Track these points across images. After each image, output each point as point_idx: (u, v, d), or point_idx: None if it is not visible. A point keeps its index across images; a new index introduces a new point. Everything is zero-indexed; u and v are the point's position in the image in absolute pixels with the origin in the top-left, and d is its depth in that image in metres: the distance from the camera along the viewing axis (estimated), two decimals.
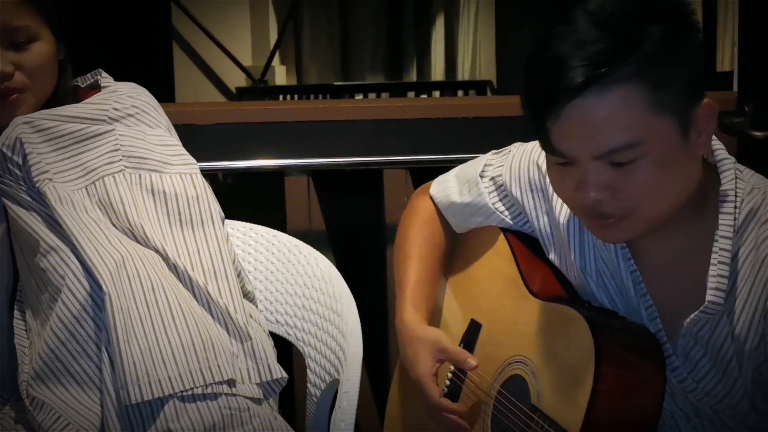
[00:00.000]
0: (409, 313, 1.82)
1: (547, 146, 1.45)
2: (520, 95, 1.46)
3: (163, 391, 1.61)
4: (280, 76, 12.12)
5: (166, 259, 1.71)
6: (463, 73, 12.50)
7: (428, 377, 1.76)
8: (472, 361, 1.72)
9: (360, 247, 3.09)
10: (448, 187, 1.88)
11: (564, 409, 1.51)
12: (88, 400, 1.66)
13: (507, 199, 1.78)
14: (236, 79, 10.79)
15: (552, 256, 1.72)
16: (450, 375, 1.83)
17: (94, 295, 1.66)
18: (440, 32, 13.09)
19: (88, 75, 1.91)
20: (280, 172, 2.97)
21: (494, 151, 1.84)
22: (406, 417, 1.96)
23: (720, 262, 1.46)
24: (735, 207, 1.47)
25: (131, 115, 1.82)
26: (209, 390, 1.64)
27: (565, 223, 1.66)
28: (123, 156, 1.77)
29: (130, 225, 1.72)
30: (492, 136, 2.83)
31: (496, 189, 1.79)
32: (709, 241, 1.47)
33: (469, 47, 12.41)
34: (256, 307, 1.91)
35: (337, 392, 1.84)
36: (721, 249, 1.46)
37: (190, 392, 1.63)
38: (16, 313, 1.77)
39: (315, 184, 2.99)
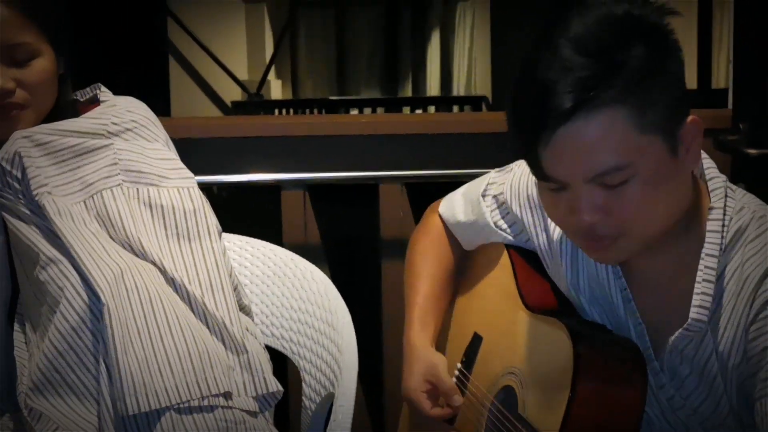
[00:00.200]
0: (416, 333, 1.85)
1: (538, 173, 1.46)
2: (508, 124, 1.47)
3: (160, 402, 1.61)
4: (276, 90, 12.14)
5: (163, 272, 1.72)
6: (459, 89, 12.54)
7: (416, 392, 1.80)
8: (458, 398, 1.77)
9: (356, 260, 3.09)
10: (454, 206, 1.90)
11: (545, 419, 1.53)
12: (85, 411, 1.66)
13: (509, 217, 1.79)
14: (232, 93, 10.81)
15: (550, 272, 1.73)
16: None
17: (92, 307, 1.66)
18: (436, 48, 13.12)
19: (87, 89, 1.92)
20: (276, 186, 2.98)
21: (498, 168, 1.86)
22: None
23: (705, 280, 1.47)
24: (723, 225, 1.48)
25: (130, 130, 1.82)
26: (205, 402, 1.64)
27: (558, 241, 1.68)
28: (121, 170, 1.78)
29: (128, 238, 1.73)
30: (487, 151, 2.85)
31: (498, 207, 1.81)
32: (698, 259, 1.48)
33: (464, 63, 12.45)
34: (252, 320, 1.92)
35: (332, 406, 1.85)
36: (706, 267, 1.47)
37: (186, 404, 1.63)
38: (16, 326, 1.78)
39: (311, 198, 3.00)
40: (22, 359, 1.74)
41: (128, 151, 1.80)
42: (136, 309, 1.65)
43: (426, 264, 1.92)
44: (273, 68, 11.33)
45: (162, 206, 1.77)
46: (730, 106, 2.88)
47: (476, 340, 1.83)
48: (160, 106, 1.97)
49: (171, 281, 1.72)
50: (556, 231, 1.68)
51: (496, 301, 1.81)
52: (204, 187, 1.87)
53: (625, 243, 1.47)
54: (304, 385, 2.00)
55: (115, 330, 1.63)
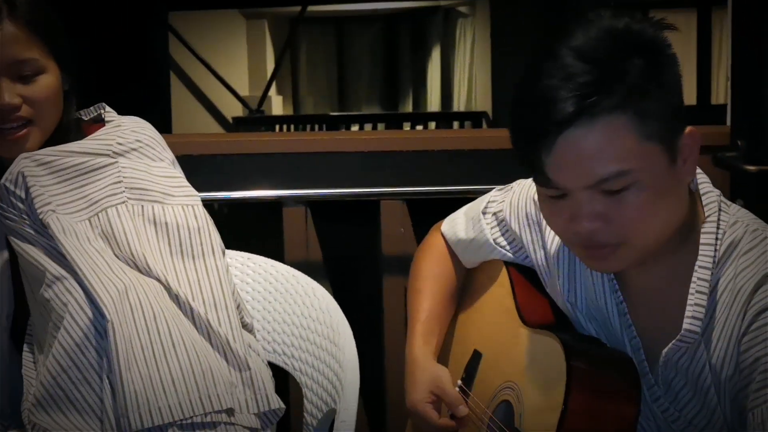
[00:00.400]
0: (419, 347, 1.87)
1: (541, 179, 1.48)
2: (510, 132, 1.50)
3: (163, 419, 1.62)
4: (277, 106, 12.18)
5: (167, 288, 1.73)
6: (459, 105, 12.56)
7: (422, 404, 1.81)
8: (463, 409, 1.77)
9: (357, 277, 3.10)
10: (456, 225, 1.92)
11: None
12: (88, 427, 1.67)
13: (508, 234, 1.81)
14: (233, 109, 10.84)
15: (548, 289, 1.75)
16: None
17: (96, 323, 1.67)
18: (436, 64, 13.16)
19: (91, 108, 1.94)
20: (277, 203, 2.99)
21: (499, 187, 1.88)
22: None
23: (698, 292, 1.49)
24: (716, 238, 1.50)
25: (135, 149, 1.84)
26: (208, 419, 1.65)
27: (555, 255, 1.69)
28: (126, 187, 1.79)
29: (133, 255, 1.74)
30: (488, 168, 2.86)
31: (498, 224, 1.83)
32: (692, 271, 1.50)
33: (464, 79, 12.48)
34: (255, 337, 1.93)
35: (333, 422, 1.86)
36: (699, 279, 1.49)
37: (189, 420, 1.64)
38: (26, 346, 1.79)
39: (312, 215, 3.00)
40: (29, 378, 1.75)
41: (133, 169, 1.81)
42: (140, 326, 1.66)
43: (428, 281, 1.94)
44: (274, 84, 11.36)
45: (166, 224, 1.79)
46: (728, 122, 2.89)
47: (476, 356, 1.84)
48: (162, 123, 1.98)
49: (175, 298, 1.73)
50: (553, 247, 1.70)
51: (496, 318, 1.82)
52: (205, 204, 1.88)
53: (625, 251, 1.49)
54: (305, 401, 2.01)
55: (119, 346, 1.64)
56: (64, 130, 1.84)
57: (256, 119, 10.52)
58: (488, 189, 1.90)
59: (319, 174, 2.99)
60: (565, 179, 1.44)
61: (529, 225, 1.75)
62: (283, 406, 1.77)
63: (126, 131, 1.86)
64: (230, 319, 1.76)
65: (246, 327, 1.88)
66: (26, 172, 1.74)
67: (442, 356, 1.91)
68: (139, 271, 1.73)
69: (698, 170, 1.56)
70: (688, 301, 1.49)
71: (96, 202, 1.77)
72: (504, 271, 1.82)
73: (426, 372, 1.83)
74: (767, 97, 2.69)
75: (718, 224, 1.51)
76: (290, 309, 2.09)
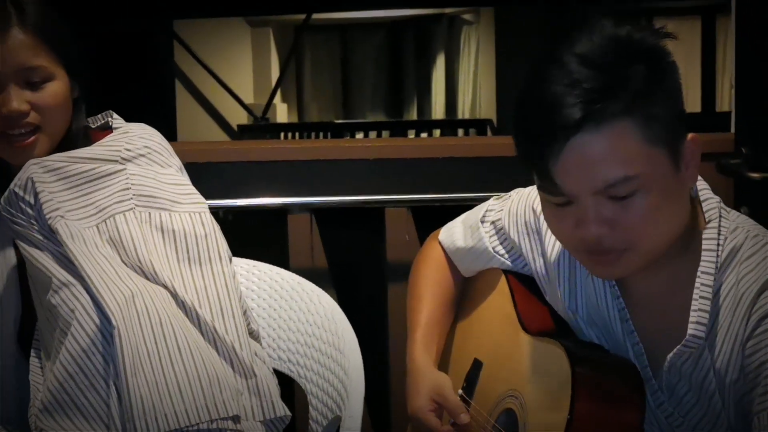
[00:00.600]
0: (420, 354, 1.86)
1: (547, 186, 1.48)
2: (515, 138, 1.50)
3: (170, 425, 1.62)
4: (282, 113, 12.18)
5: (174, 295, 1.74)
6: (464, 112, 12.56)
7: (424, 412, 1.80)
8: (465, 416, 1.76)
9: (362, 284, 3.11)
10: (454, 233, 1.92)
11: None
12: None
13: (506, 243, 1.82)
14: (238, 117, 10.84)
15: (548, 297, 1.75)
16: None
17: (103, 330, 1.68)
18: (441, 71, 13.16)
19: (99, 116, 1.95)
20: (282, 210, 3.00)
21: (496, 196, 1.88)
22: None
23: (701, 297, 1.50)
24: (718, 244, 1.51)
25: (143, 155, 1.85)
26: (214, 425, 1.66)
27: (555, 263, 1.70)
28: (134, 194, 1.80)
29: (140, 262, 1.75)
30: (492, 175, 2.87)
31: (497, 233, 1.83)
32: (694, 277, 1.51)
33: (469, 86, 12.48)
34: (261, 345, 1.93)
35: (338, 429, 1.86)
36: (702, 285, 1.50)
37: (195, 427, 1.64)
38: (33, 352, 1.79)
39: (317, 222, 3.01)
40: (36, 383, 1.76)
41: (141, 176, 1.82)
42: (146, 332, 1.66)
43: (428, 288, 1.94)
44: (279, 92, 11.36)
45: (174, 231, 1.79)
46: (732, 130, 2.89)
47: (476, 365, 1.84)
48: (167, 130, 1.99)
49: (182, 305, 1.74)
50: (553, 255, 1.70)
51: (496, 326, 1.82)
52: (210, 212, 1.89)
53: (630, 257, 1.49)
54: (310, 408, 2.01)
55: (126, 353, 1.64)
56: (72, 137, 1.86)
57: (261, 127, 10.52)
58: (493, 196, 1.90)
59: (324, 181, 3.00)
60: (572, 185, 1.45)
61: (528, 233, 1.76)
62: (289, 413, 1.77)
63: (134, 138, 1.87)
64: (237, 326, 1.77)
65: (252, 334, 1.89)
66: (35, 177, 1.75)
67: (441, 366, 1.90)
68: (146, 277, 1.74)
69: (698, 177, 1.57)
70: (692, 307, 1.50)
71: (104, 208, 1.78)
72: (503, 279, 1.82)
73: (427, 379, 1.83)
74: None
75: (719, 230, 1.52)
76: (295, 316, 2.09)
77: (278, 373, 1.96)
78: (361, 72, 13.74)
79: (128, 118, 1.96)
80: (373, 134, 10.43)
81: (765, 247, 1.50)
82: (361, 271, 3.10)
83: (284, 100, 12.58)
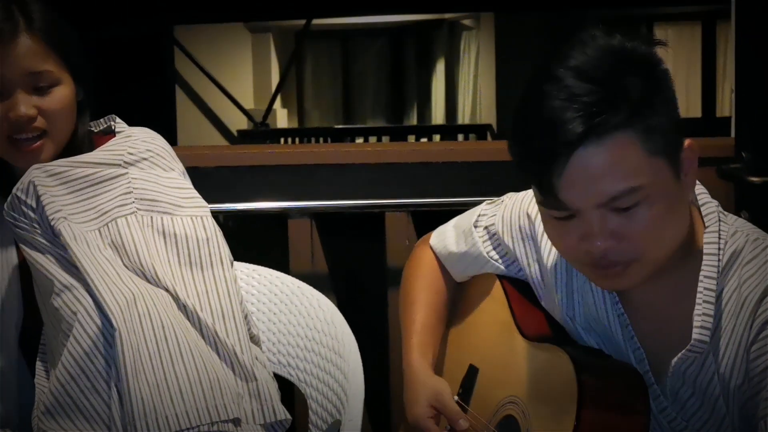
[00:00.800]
0: (416, 360, 1.86)
1: (551, 202, 1.48)
2: (515, 156, 1.50)
3: (170, 427, 1.62)
4: (282, 119, 12.20)
5: (176, 298, 1.74)
6: (464, 117, 12.57)
7: (424, 419, 1.79)
8: (463, 422, 1.76)
9: (362, 288, 3.11)
10: (446, 238, 1.91)
11: None
12: None
13: (500, 248, 1.81)
14: (238, 122, 10.85)
15: (544, 302, 1.74)
16: None
17: (105, 332, 1.68)
18: (441, 76, 13.18)
19: (102, 120, 1.96)
20: (283, 215, 3.00)
21: (488, 200, 1.88)
22: None
23: (705, 302, 1.50)
24: (719, 249, 1.51)
25: (146, 159, 1.85)
26: (215, 428, 1.66)
27: (552, 269, 1.69)
28: (135, 198, 1.80)
29: (142, 265, 1.75)
30: (492, 180, 2.86)
31: (490, 238, 1.82)
32: (695, 282, 1.51)
33: (469, 91, 12.49)
34: (261, 349, 1.93)
35: None
36: (705, 289, 1.50)
37: (196, 430, 1.64)
38: (39, 355, 1.80)
39: (317, 227, 3.01)
40: (42, 387, 1.76)
41: (143, 179, 1.83)
42: (147, 335, 1.67)
43: (421, 293, 1.93)
44: (279, 97, 11.38)
45: (175, 234, 1.80)
46: (733, 134, 2.89)
47: (472, 371, 1.83)
48: (167, 135, 1.99)
49: (183, 308, 1.74)
50: (549, 261, 1.70)
51: (492, 332, 1.81)
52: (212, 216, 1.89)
53: (636, 268, 1.49)
54: (310, 412, 2.01)
55: (127, 355, 1.65)
56: (77, 142, 1.87)
57: (261, 132, 10.53)
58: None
59: (324, 186, 3.00)
60: (576, 199, 1.45)
61: (522, 239, 1.75)
62: (289, 417, 1.77)
63: (137, 141, 1.87)
64: (238, 330, 1.77)
65: (253, 339, 1.89)
66: (37, 181, 1.76)
67: (436, 372, 1.89)
68: (148, 281, 1.74)
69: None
70: (695, 311, 1.50)
71: (106, 212, 1.78)
72: (497, 284, 1.81)
73: (425, 386, 1.82)
74: None
75: (719, 234, 1.52)
76: (295, 320, 2.09)
77: (278, 378, 1.96)
78: (361, 77, 13.76)
79: (129, 123, 1.96)
80: (373, 139, 10.44)
81: (765, 251, 1.50)
82: (361, 276, 3.11)
83: (284, 105, 12.59)
